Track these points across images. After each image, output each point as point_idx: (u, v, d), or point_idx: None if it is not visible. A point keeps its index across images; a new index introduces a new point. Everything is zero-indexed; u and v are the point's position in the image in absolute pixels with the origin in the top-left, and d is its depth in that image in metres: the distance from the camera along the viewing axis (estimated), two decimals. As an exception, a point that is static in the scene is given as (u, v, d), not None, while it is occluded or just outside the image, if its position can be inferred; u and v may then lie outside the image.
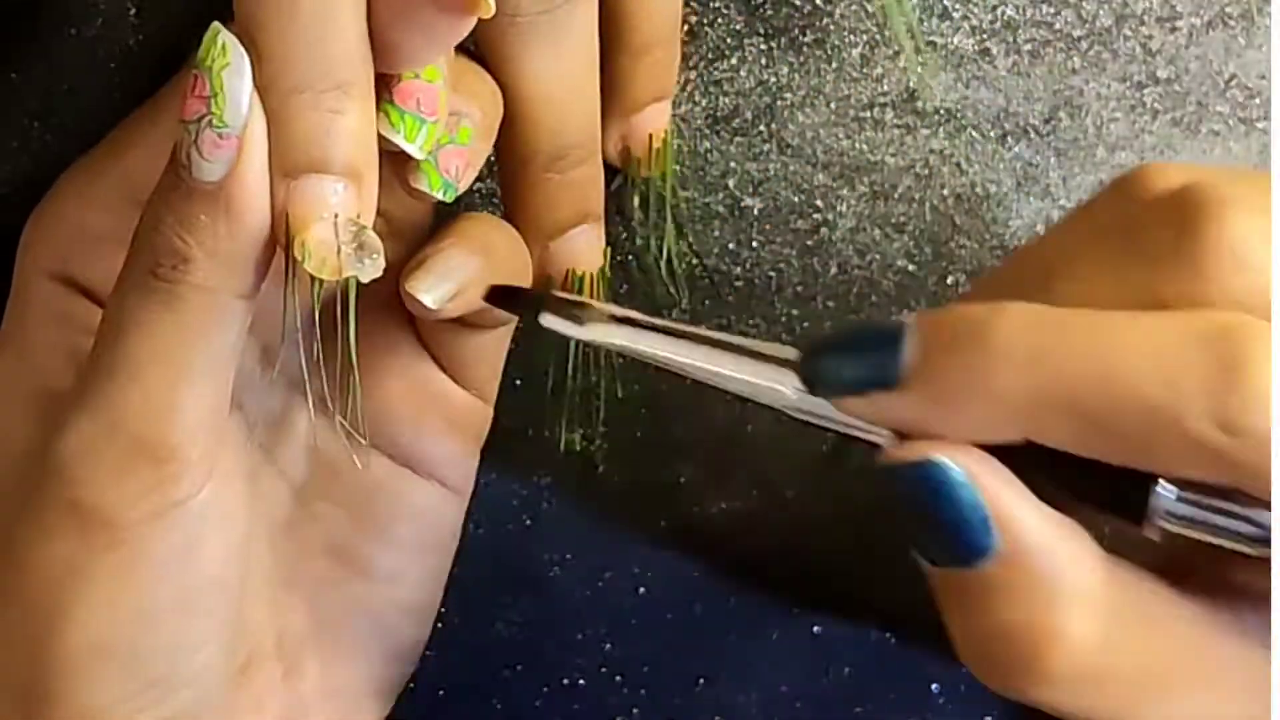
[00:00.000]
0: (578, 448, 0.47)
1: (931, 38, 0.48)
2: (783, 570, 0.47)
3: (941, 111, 0.47)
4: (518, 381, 0.45)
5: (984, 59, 0.48)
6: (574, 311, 0.36)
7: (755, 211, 0.48)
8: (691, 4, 0.48)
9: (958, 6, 0.48)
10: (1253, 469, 0.30)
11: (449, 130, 0.39)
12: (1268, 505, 0.31)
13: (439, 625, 0.45)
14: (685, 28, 0.48)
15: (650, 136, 0.46)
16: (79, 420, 0.37)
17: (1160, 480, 0.31)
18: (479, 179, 0.47)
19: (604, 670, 0.47)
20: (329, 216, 0.35)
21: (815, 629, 0.47)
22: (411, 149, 0.37)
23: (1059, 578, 0.32)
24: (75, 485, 0.37)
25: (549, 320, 0.36)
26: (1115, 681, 0.32)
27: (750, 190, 0.48)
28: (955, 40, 0.48)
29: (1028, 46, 0.48)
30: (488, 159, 0.43)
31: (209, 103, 0.35)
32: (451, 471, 0.43)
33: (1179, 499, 0.31)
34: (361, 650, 0.42)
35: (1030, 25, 0.48)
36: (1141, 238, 0.32)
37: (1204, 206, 0.31)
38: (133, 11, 0.48)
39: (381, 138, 0.37)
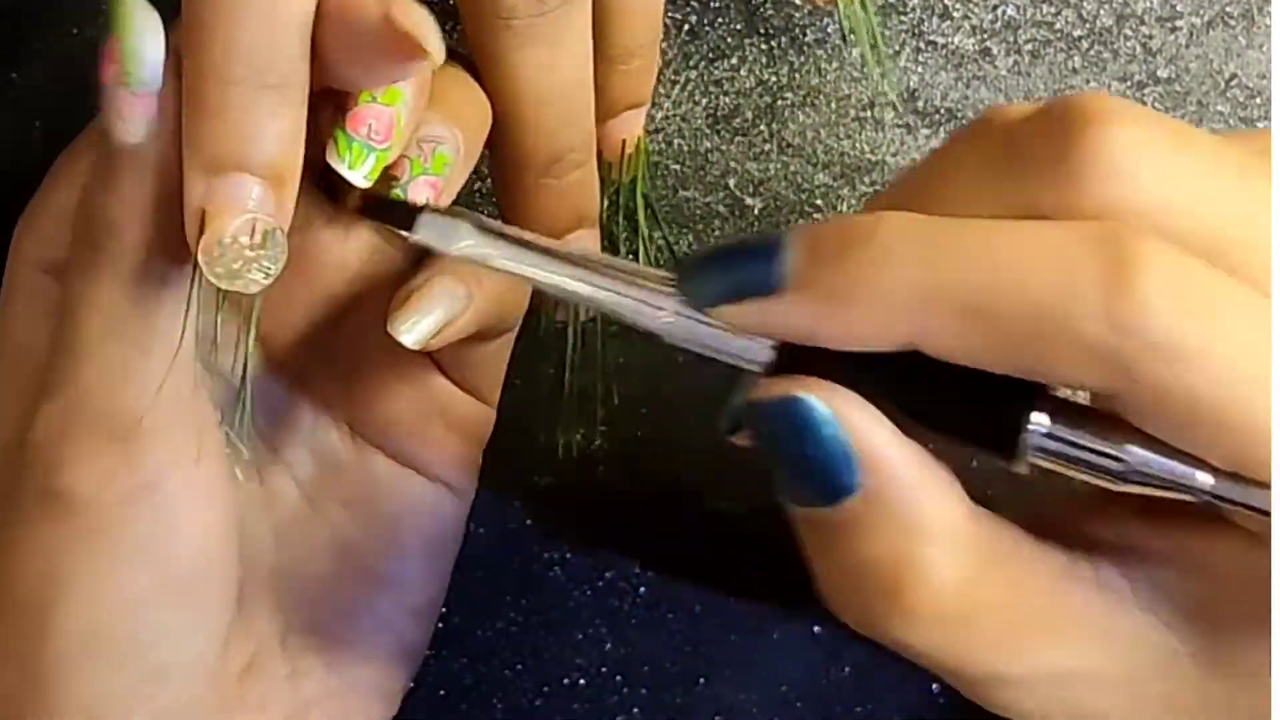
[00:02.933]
0: (576, 449, 0.47)
1: (932, 37, 0.48)
2: (783, 570, 0.47)
3: (942, 111, 0.48)
4: (517, 381, 0.45)
5: (985, 59, 0.48)
6: (448, 227, 0.35)
7: (756, 211, 0.48)
8: (692, 4, 0.48)
9: (958, 6, 0.48)
10: (1141, 374, 0.29)
11: (422, 159, 0.38)
12: (1140, 437, 0.30)
13: (440, 625, 0.45)
14: (686, 27, 0.48)
15: (623, 143, 0.46)
16: (47, 405, 0.37)
17: (1034, 413, 0.31)
18: (478, 178, 0.47)
19: (604, 670, 0.47)
20: (245, 219, 0.34)
21: (815, 629, 0.47)
22: (354, 177, 0.37)
23: (924, 515, 0.31)
24: (47, 473, 0.37)
25: (422, 234, 0.34)
26: (975, 625, 0.31)
27: (751, 190, 0.48)
28: (956, 40, 0.48)
29: (1028, 46, 0.48)
30: (485, 161, 0.43)
31: (121, 63, 0.35)
32: (455, 473, 0.43)
33: (1049, 434, 0.31)
34: (366, 650, 0.42)
35: (1031, 25, 0.48)
36: (1018, 151, 0.31)
37: (1081, 117, 0.31)
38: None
39: (326, 164, 0.36)
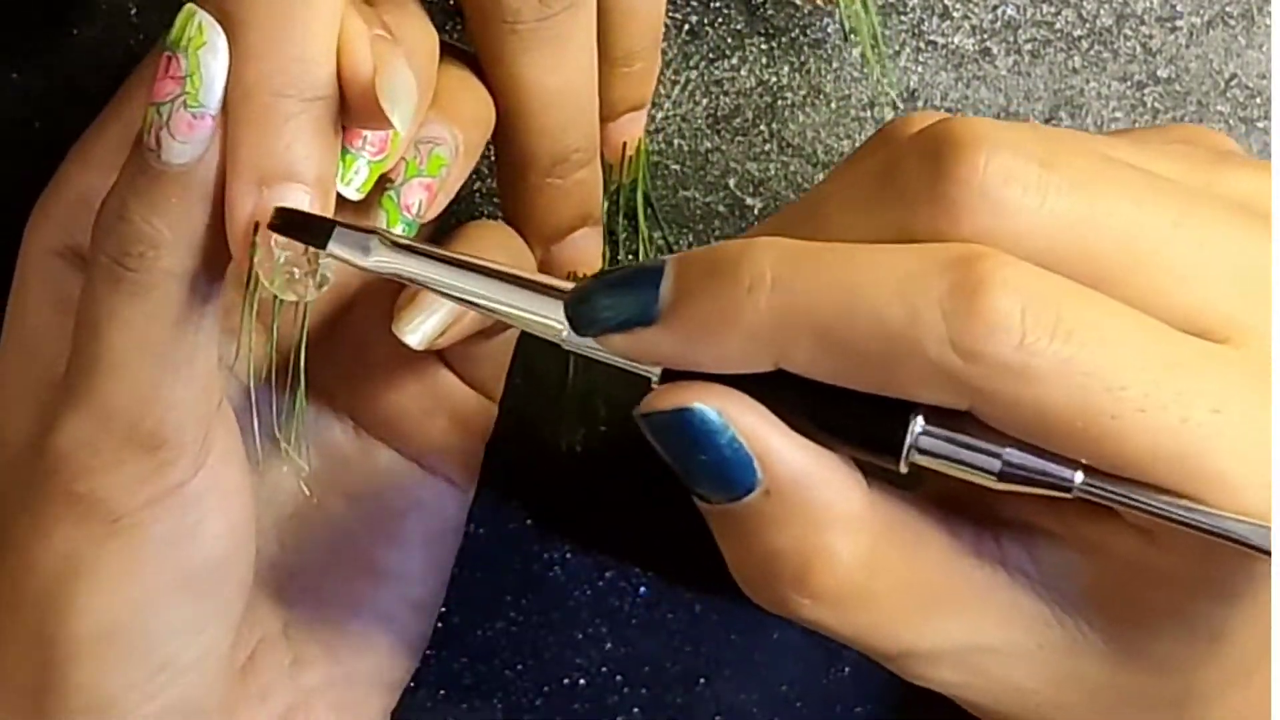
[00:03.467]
0: (578, 448, 0.47)
1: (932, 37, 0.48)
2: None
3: (942, 111, 0.47)
4: (517, 381, 0.45)
5: (985, 58, 0.48)
6: (362, 241, 0.35)
7: (756, 211, 0.48)
8: (692, 4, 0.48)
9: (958, 6, 0.48)
10: (990, 394, 0.30)
11: (418, 161, 0.39)
12: (1011, 438, 0.31)
13: (440, 625, 0.45)
14: (686, 27, 0.48)
15: (624, 145, 0.46)
16: (71, 416, 0.36)
17: (915, 417, 0.32)
18: (480, 178, 0.47)
19: (604, 670, 0.47)
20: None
21: (815, 629, 0.47)
22: (347, 191, 0.37)
23: (822, 504, 0.32)
24: (73, 478, 0.37)
25: (336, 249, 0.35)
26: (877, 604, 0.33)
27: (751, 190, 0.48)
28: (956, 40, 0.48)
29: (1028, 46, 0.48)
30: (489, 158, 0.43)
31: (184, 83, 0.34)
32: (457, 467, 0.43)
33: (924, 433, 0.32)
34: (367, 642, 0.42)
35: (1031, 25, 0.48)
36: (896, 176, 0.32)
37: (955, 144, 0.31)
38: (133, 11, 0.48)
39: None
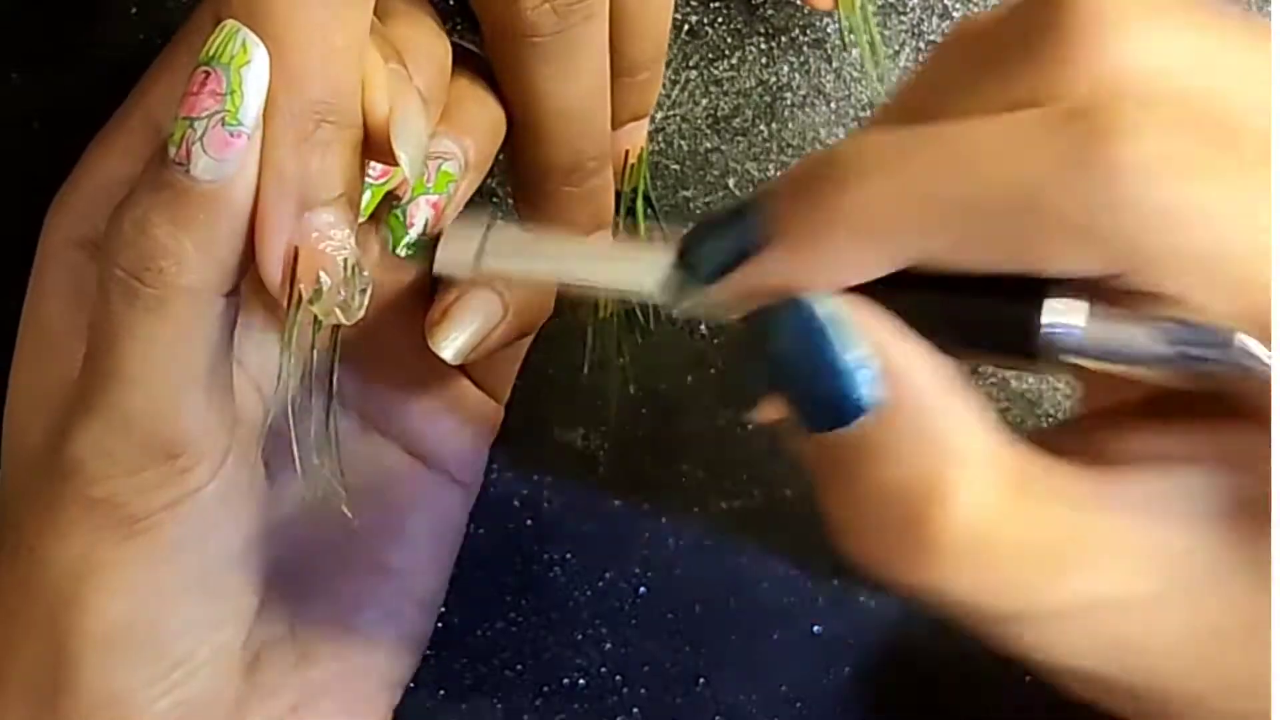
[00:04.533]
0: (577, 449, 0.47)
1: (932, 37, 0.48)
2: (783, 570, 0.47)
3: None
4: (520, 382, 0.45)
5: (984, 59, 0.48)
6: (471, 251, 0.35)
7: (756, 211, 0.48)
8: (692, 4, 0.48)
9: (958, 6, 0.48)
10: (1143, 244, 0.28)
11: (426, 177, 0.39)
12: (1163, 309, 0.28)
13: (440, 625, 0.45)
14: (686, 27, 0.48)
15: (626, 153, 0.46)
16: (88, 425, 0.37)
17: (1048, 304, 0.28)
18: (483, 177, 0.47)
19: (604, 670, 0.47)
20: (339, 252, 0.35)
21: (815, 629, 0.47)
22: None
23: (952, 433, 0.29)
24: (90, 483, 0.37)
25: (443, 265, 0.35)
26: (1005, 555, 0.29)
27: (751, 189, 0.48)
28: (956, 40, 0.48)
29: (1028, 46, 0.48)
30: (500, 166, 0.43)
31: (223, 100, 0.34)
32: (462, 466, 0.43)
33: (1076, 318, 0.28)
34: (373, 639, 0.42)
35: (1031, 25, 0.48)
36: (1004, 43, 0.30)
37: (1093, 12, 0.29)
38: (133, 11, 0.48)
39: None
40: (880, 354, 0.29)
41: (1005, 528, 0.29)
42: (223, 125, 0.34)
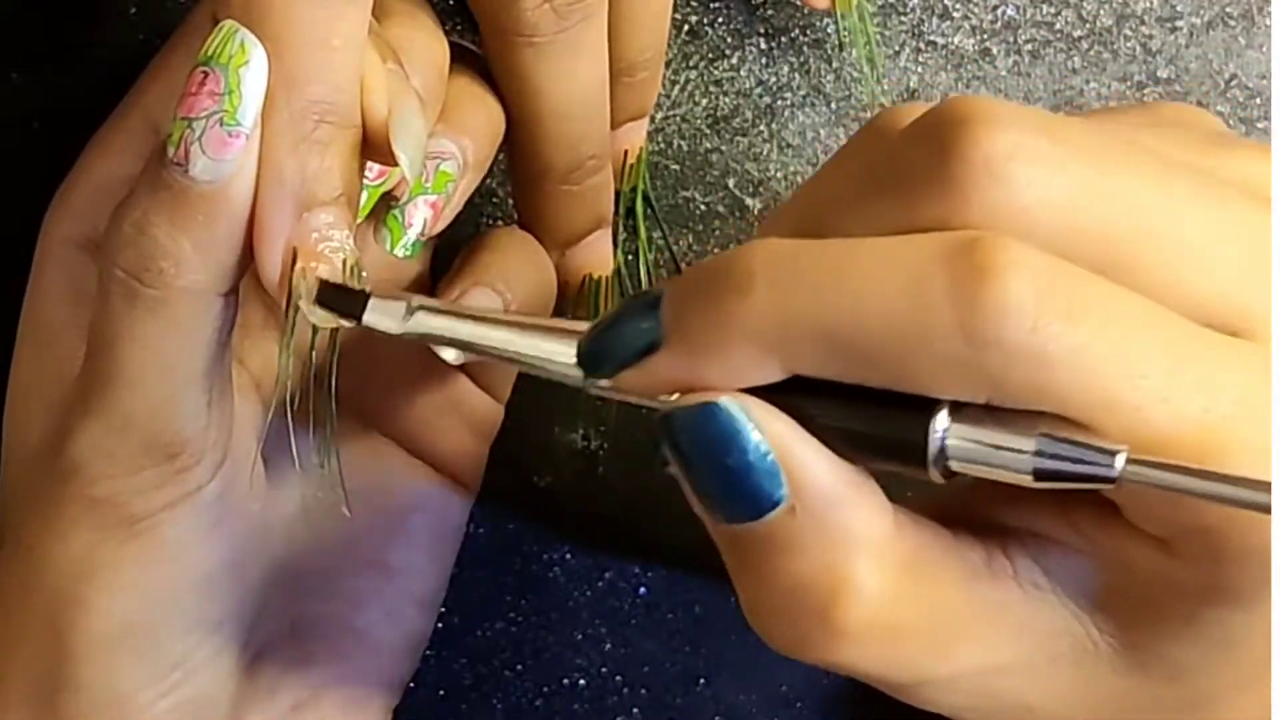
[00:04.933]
0: (577, 449, 0.47)
1: (932, 38, 0.48)
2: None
3: (942, 111, 0.47)
4: (519, 382, 0.45)
5: (984, 59, 0.48)
6: (394, 308, 0.35)
7: (756, 211, 0.48)
8: (692, 4, 0.48)
9: (958, 6, 0.48)
10: (1007, 384, 0.28)
11: (423, 178, 0.39)
12: (1045, 429, 0.29)
13: (440, 625, 0.45)
14: (686, 27, 0.48)
15: (625, 152, 0.46)
16: (88, 426, 0.37)
17: (938, 416, 0.29)
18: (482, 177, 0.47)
19: (604, 670, 0.47)
20: (339, 257, 0.35)
21: (815, 629, 0.47)
22: None
23: (850, 527, 0.30)
24: (90, 483, 0.37)
25: (371, 319, 0.35)
26: (903, 634, 0.31)
27: (751, 190, 0.48)
28: (956, 40, 0.48)
29: (1028, 46, 0.48)
30: (500, 166, 0.43)
31: (222, 100, 0.34)
32: (463, 467, 0.43)
33: (951, 434, 0.29)
34: (373, 639, 0.42)
35: (1031, 25, 0.48)
36: (895, 165, 0.30)
37: (959, 122, 0.29)
38: (132, 11, 0.48)
39: None
40: (781, 453, 0.30)
41: (901, 609, 0.30)
42: (221, 125, 0.34)
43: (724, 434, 0.30)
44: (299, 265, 0.34)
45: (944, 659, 0.31)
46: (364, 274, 0.35)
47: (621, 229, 0.47)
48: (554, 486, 0.48)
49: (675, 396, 0.31)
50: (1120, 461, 0.29)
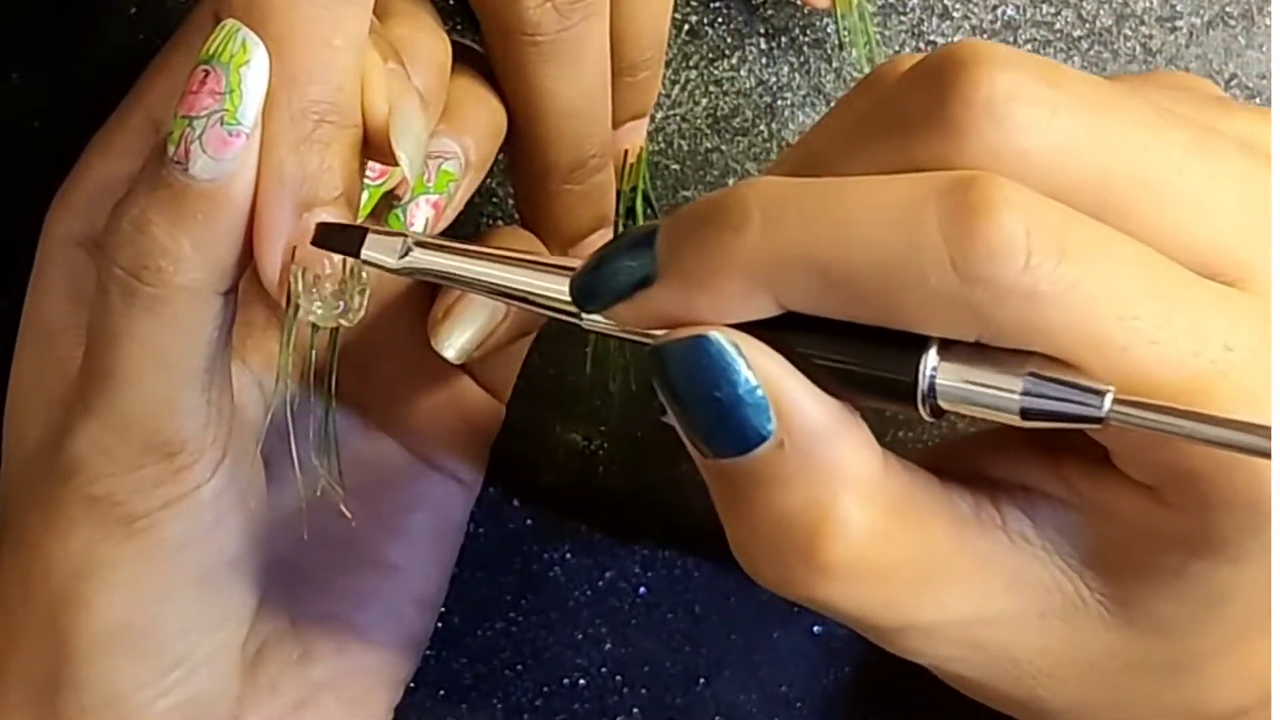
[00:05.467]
0: (577, 449, 0.47)
1: (932, 37, 0.48)
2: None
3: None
4: (520, 382, 0.45)
5: (984, 59, 0.48)
6: (391, 245, 0.35)
7: (756, 211, 0.48)
8: (692, 4, 0.48)
9: (958, 6, 0.48)
10: (996, 322, 0.29)
11: (426, 177, 0.39)
12: (1033, 369, 0.29)
13: (440, 625, 0.45)
14: (686, 27, 0.48)
15: (625, 152, 0.46)
16: (87, 424, 0.37)
17: (928, 354, 0.30)
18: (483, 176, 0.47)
19: (604, 670, 0.47)
20: (339, 257, 0.35)
21: (815, 629, 0.47)
22: None
23: (838, 462, 0.30)
24: (90, 481, 0.37)
25: (369, 255, 0.35)
26: (889, 574, 0.31)
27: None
28: (956, 40, 0.48)
29: (1028, 46, 0.48)
30: (500, 166, 0.43)
31: (223, 99, 0.34)
32: (464, 466, 0.43)
33: (938, 369, 0.30)
34: (374, 636, 0.42)
35: (1030, 25, 0.48)
36: (895, 106, 0.31)
37: (959, 63, 0.30)
38: (132, 11, 0.48)
39: None
40: (770, 388, 0.30)
41: (887, 549, 0.31)
42: (221, 124, 0.34)
43: (713, 367, 0.31)
44: (298, 265, 0.34)
45: (929, 604, 0.32)
46: (364, 274, 0.35)
47: (621, 228, 0.47)
48: (554, 486, 0.48)
49: (665, 332, 0.31)
50: (1108, 401, 0.29)
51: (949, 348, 0.30)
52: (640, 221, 0.47)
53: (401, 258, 0.35)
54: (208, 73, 0.34)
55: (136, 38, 0.48)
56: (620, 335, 0.33)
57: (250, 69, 0.34)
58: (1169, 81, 0.35)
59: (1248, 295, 0.30)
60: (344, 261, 0.35)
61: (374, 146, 0.35)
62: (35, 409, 0.39)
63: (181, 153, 0.34)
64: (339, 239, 0.35)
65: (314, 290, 0.35)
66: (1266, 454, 0.28)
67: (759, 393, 0.30)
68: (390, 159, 0.35)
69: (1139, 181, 0.30)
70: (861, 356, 0.30)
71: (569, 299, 0.33)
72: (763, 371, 0.31)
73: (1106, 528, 0.32)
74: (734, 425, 0.31)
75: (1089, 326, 0.29)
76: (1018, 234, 0.28)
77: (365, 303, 0.35)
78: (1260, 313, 0.30)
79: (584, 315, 0.33)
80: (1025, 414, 0.30)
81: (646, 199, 0.47)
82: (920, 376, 0.30)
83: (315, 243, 0.35)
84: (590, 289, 0.33)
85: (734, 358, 0.30)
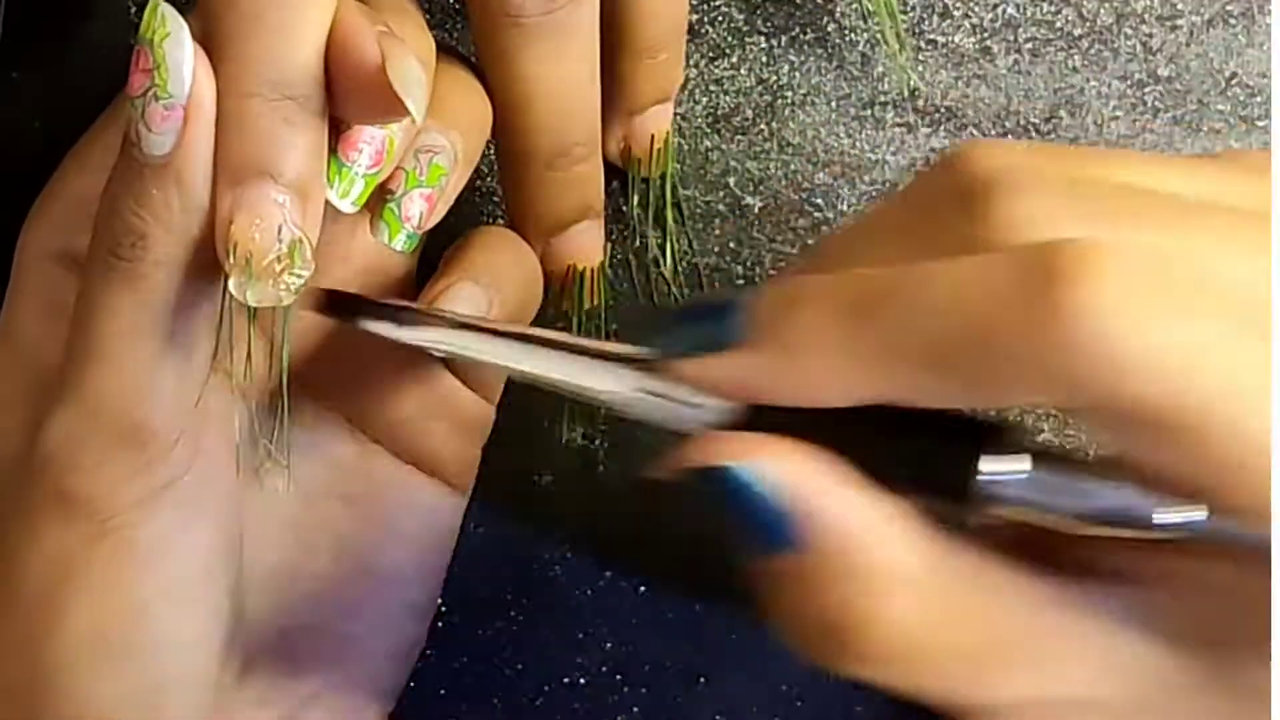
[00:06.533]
0: (577, 447, 0.47)
1: (932, 36, 0.48)
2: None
3: (942, 110, 0.47)
4: (518, 381, 0.45)
5: (985, 57, 0.48)
6: (395, 314, 0.35)
7: (756, 210, 0.48)
8: (692, 2, 0.48)
9: (958, 5, 0.48)
10: (1087, 387, 0.28)
11: (418, 171, 0.39)
12: (1099, 474, 0.30)
13: (439, 625, 0.45)
14: (686, 26, 0.48)
15: (652, 137, 0.46)
16: (61, 411, 0.37)
17: (981, 459, 0.30)
18: (479, 177, 0.47)
19: (605, 669, 0.47)
20: (272, 227, 0.35)
21: (816, 629, 0.47)
22: (343, 204, 0.37)
23: (872, 565, 0.31)
24: (62, 475, 0.37)
25: (368, 324, 0.35)
26: (941, 659, 0.31)
27: (751, 189, 0.48)
28: (956, 39, 0.48)
29: (1028, 45, 0.48)
30: (489, 157, 0.43)
31: (152, 75, 0.35)
32: (454, 470, 0.43)
33: (991, 475, 0.30)
34: (365, 647, 0.42)
35: (1031, 24, 0.48)
36: (934, 220, 0.31)
37: (992, 187, 0.30)
38: (132, 11, 0.48)
39: None
40: (797, 501, 0.31)
41: (938, 636, 0.31)
42: (156, 100, 0.35)
43: (734, 492, 0.31)
44: (233, 237, 0.35)
45: (999, 685, 0.31)
46: (307, 256, 0.35)
47: (641, 218, 0.47)
48: (554, 486, 0.47)
49: (713, 414, 0.32)
50: (1159, 514, 0.29)
51: (1013, 451, 0.30)
52: (669, 209, 0.47)
53: (405, 328, 0.35)
54: (139, 52, 0.35)
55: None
56: (649, 421, 0.33)
57: (171, 41, 0.35)
58: (1225, 160, 0.34)
59: None
60: (281, 237, 0.35)
61: (375, 100, 0.35)
62: (9, 423, 0.39)
63: (134, 133, 0.35)
64: (345, 308, 0.35)
65: (245, 268, 0.35)
66: None
67: (784, 511, 0.31)
68: (396, 107, 0.35)
69: (1195, 256, 0.29)
70: (918, 460, 0.31)
71: (598, 386, 0.33)
72: (789, 483, 0.31)
73: (1203, 603, 0.31)
74: (760, 539, 0.31)
75: (1182, 388, 0.28)
76: (1109, 298, 0.28)
77: (297, 285, 0.35)
78: None
79: (616, 399, 0.33)
80: (1080, 518, 0.30)
81: (675, 191, 0.47)
82: (974, 479, 0.30)
83: (324, 311, 0.35)
84: (666, 337, 0.33)
85: (754, 485, 0.31)
